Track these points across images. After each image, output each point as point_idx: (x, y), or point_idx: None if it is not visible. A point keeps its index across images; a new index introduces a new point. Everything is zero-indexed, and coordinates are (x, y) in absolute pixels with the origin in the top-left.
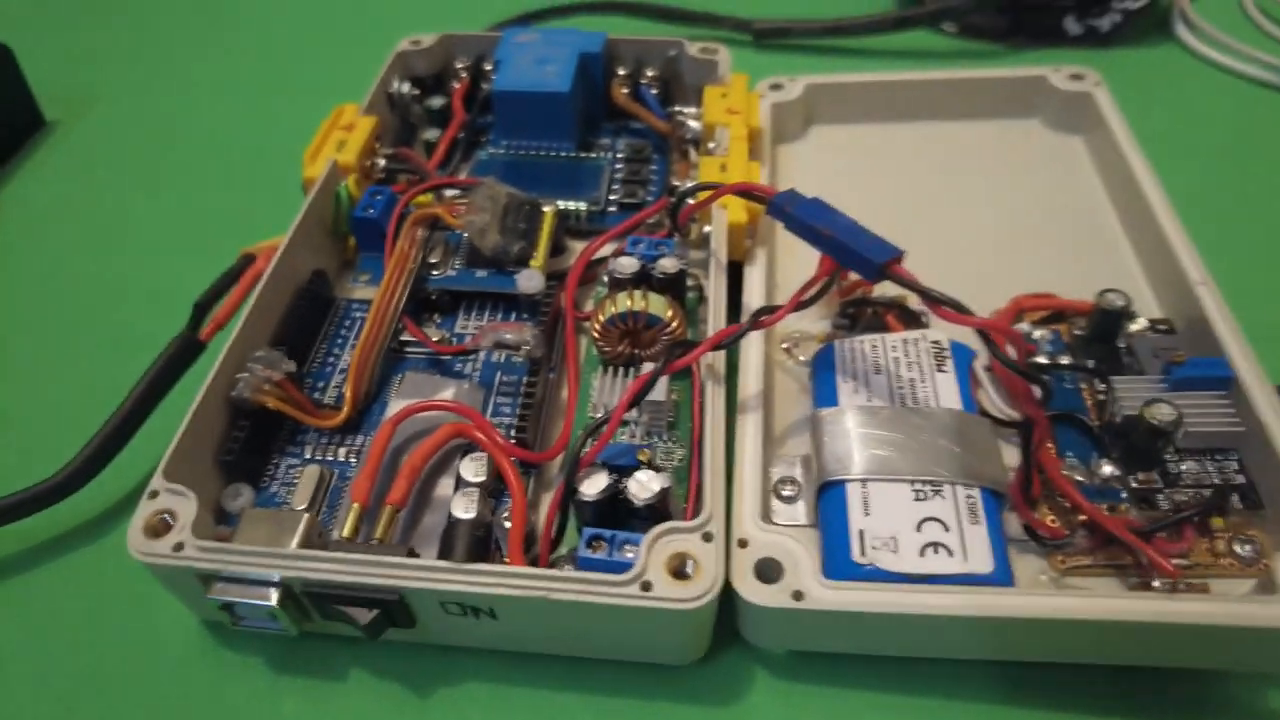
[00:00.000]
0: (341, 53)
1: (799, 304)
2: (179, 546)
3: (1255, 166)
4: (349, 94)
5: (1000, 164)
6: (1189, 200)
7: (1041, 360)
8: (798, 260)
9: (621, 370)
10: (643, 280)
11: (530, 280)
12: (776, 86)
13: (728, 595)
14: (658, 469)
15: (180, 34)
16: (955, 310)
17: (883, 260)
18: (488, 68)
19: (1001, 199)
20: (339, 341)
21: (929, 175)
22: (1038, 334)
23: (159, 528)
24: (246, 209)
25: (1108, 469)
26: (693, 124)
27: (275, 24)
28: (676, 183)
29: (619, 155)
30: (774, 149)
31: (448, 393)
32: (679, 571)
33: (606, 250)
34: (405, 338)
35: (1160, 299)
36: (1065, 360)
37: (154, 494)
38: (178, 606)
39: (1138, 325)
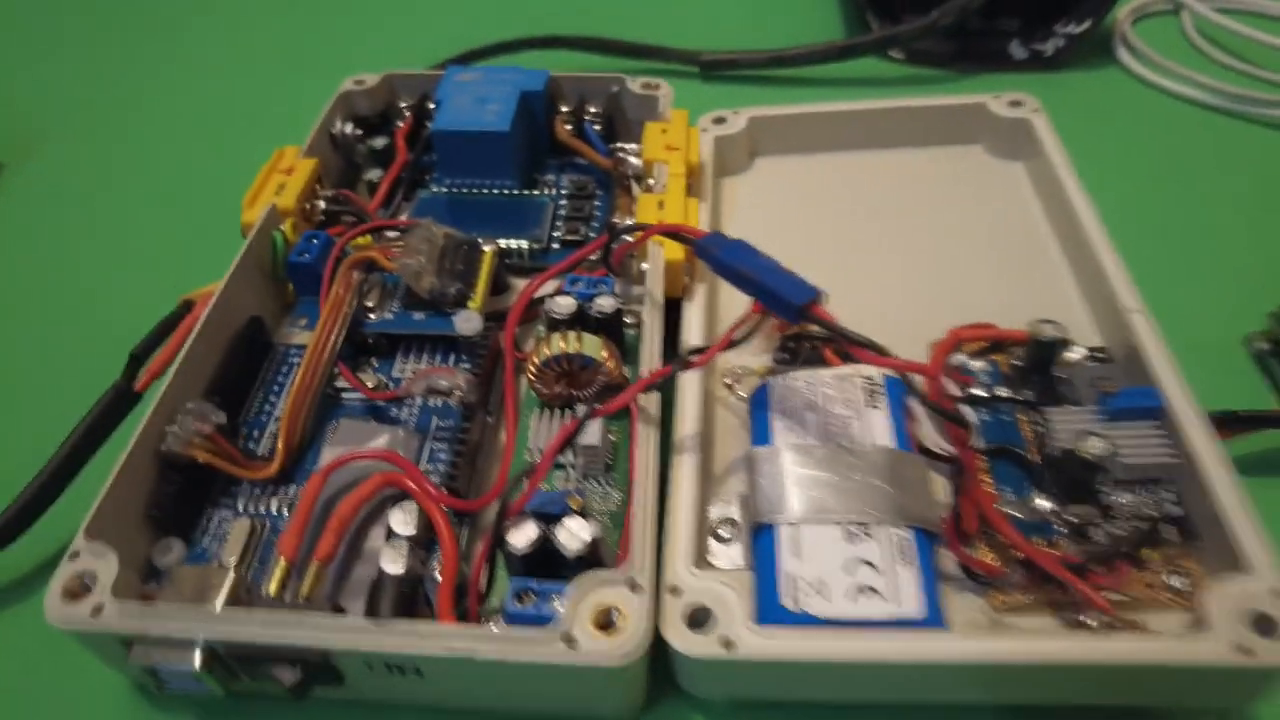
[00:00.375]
0: (289, 93)
1: (728, 344)
2: (98, 609)
3: (1193, 187)
4: (295, 134)
5: (944, 191)
6: (1129, 222)
7: (979, 393)
8: (739, 296)
9: (559, 412)
10: (580, 320)
11: (468, 322)
12: (720, 120)
13: (665, 643)
14: (587, 516)
15: (126, 74)
16: (873, 352)
17: (801, 302)
18: (431, 106)
19: (944, 227)
20: (275, 389)
21: (873, 204)
22: (975, 365)
23: (78, 590)
24: (190, 254)
25: (1042, 503)
26: (634, 160)
27: (223, 64)
28: (617, 220)
29: (563, 192)
30: (717, 183)
31: (382, 440)
32: (605, 623)
33: (549, 288)
34: (341, 383)
35: (1098, 326)
36: (1003, 392)
37: (75, 554)
38: (105, 671)
39: (1076, 354)
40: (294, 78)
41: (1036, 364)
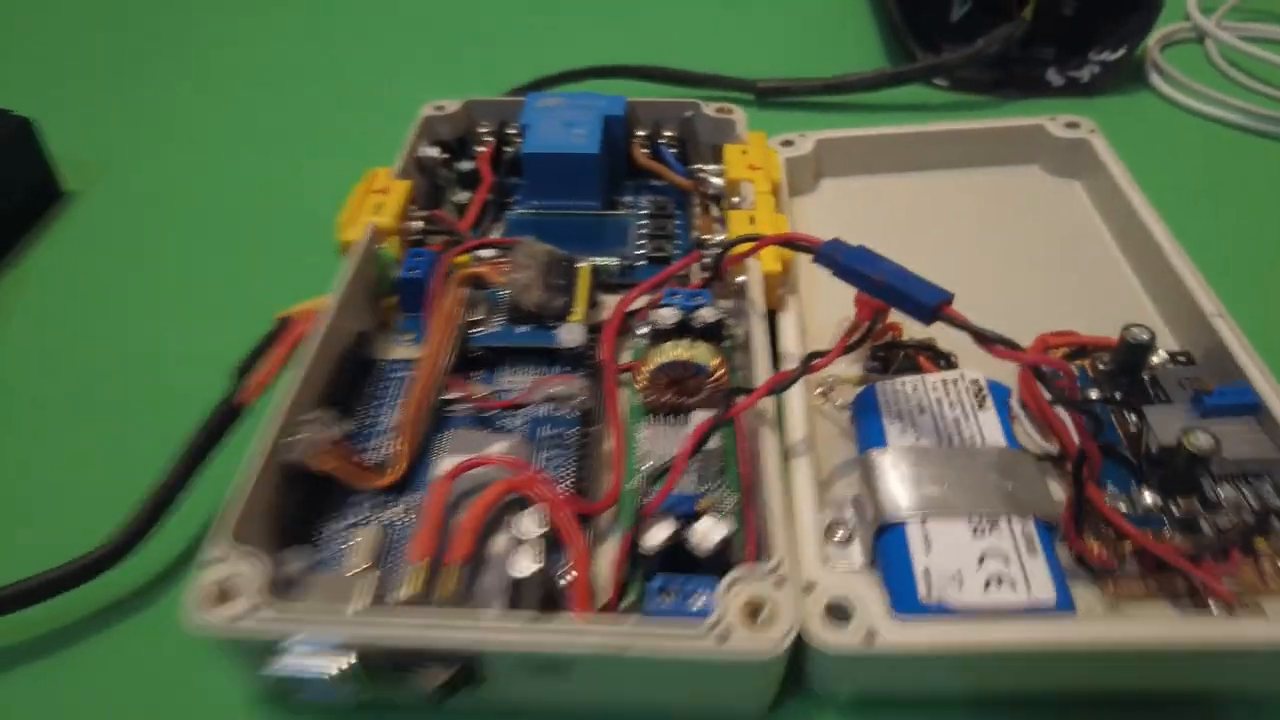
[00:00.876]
0: (356, 117)
1: (847, 347)
2: (243, 614)
3: (1229, 204)
4: (366, 157)
5: (1004, 210)
6: (1179, 238)
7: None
8: (823, 307)
9: (665, 418)
10: (683, 330)
11: (571, 334)
12: (788, 143)
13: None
14: (719, 515)
15: (199, 100)
16: (1008, 348)
17: (935, 303)
18: (511, 131)
19: (1009, 243)
20: (379, 403)
21: (937, 222)
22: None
23: (218, 595)
24: (273, 273)
25: (1149, 497)
26: (714, 180)
27: (290, 88)
28: (703, 236)
29: (643, 211)
30: (790, 202)
31: (497, 448)
32: (754, 617)
33: (640, 302)
34: (446, 395)
35: (1175, 332)
36: (1094, 394)
37: (211, 561)
38: (222, 684)
39: (1158, 357)
40: (363, 102)
41: (1126, 366)
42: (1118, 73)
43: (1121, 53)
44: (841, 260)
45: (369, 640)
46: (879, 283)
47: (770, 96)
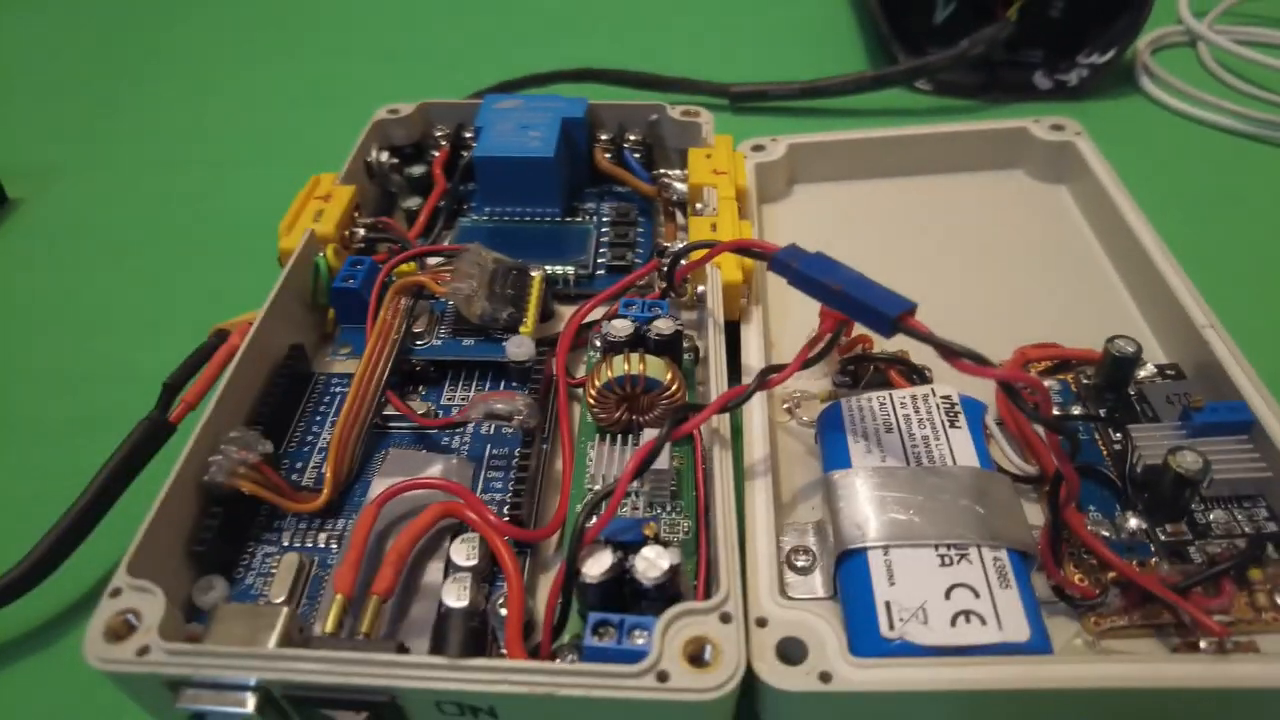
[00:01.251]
0: (315, 123)
1: (806, 361)
2: (144, 650)
3: (1223, 211)
4: (325, 164)
5: (987, 216)
6: (1170, 244)
7: (1054, 411)
8: (791, 318)
9: (619, 438)
10: (638, 343)
11: (520, 347)
12: (759, 148)
13: (749, 677)
14: (665, 544)
15: (147, 106)
16: (975, 362)
17: (896, 313)
18: (468, 135)
19: (991, 250)
20: (317, 419)
21: (917, 229)
22: (1045, 384)
23: (121, 630)
24: (219, 284)
25: (1134, 522)
26: (678, 186)
27: (247, 95)
28: (666, 244)
29: (604, 219)
30: (759, 209)
31: (435, 469)
32: (696, 658)
33: (597, 314)
34: (388, 412)
35: (1164, 344)
36: (1077, 410)
37: (116, 591)
38: (142, 718)
39: (1146, 371)
40: (322, 107)
41: (1111, 381)
42: (1107, 76)
43: (1110, 55)
44: (797, 267)
45: (279, 680)
46: (836, 291)
47: (745, 101)
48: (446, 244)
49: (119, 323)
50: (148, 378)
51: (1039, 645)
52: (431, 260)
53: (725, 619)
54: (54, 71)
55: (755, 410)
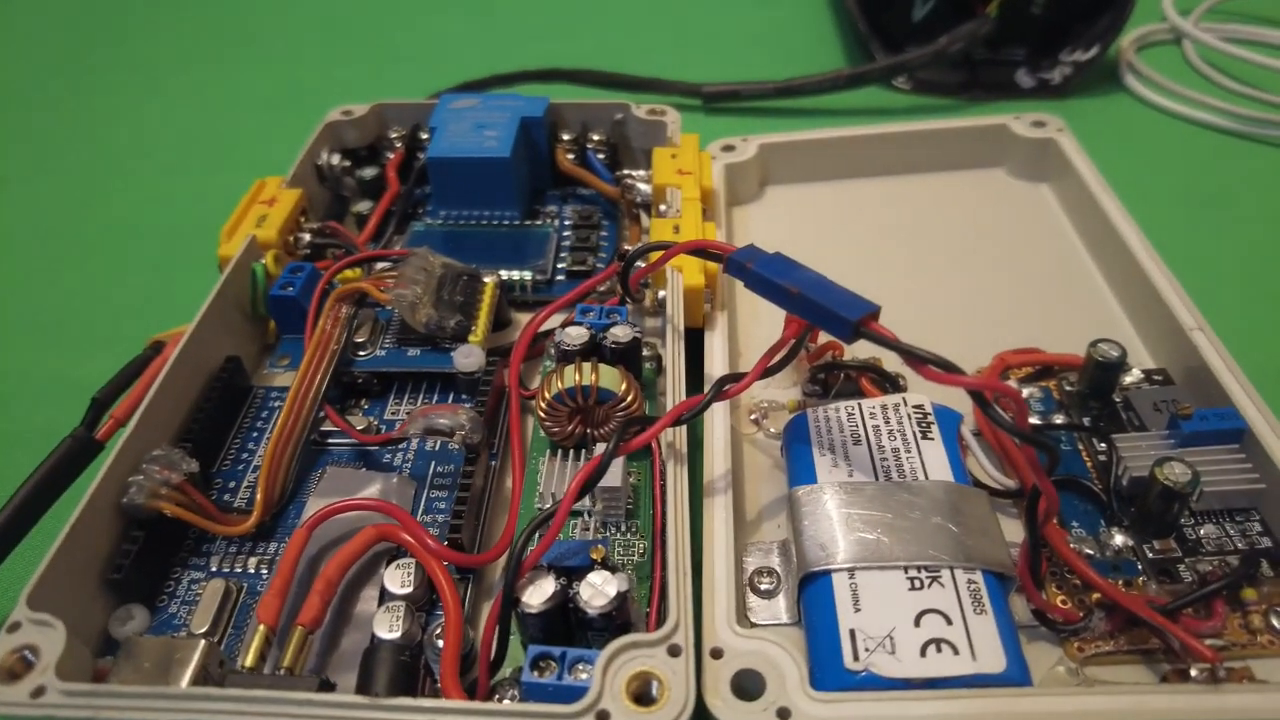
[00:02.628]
0: (269, 127)
1: (766, 370)
2: (38, 691)
3: (1210, 210)
4: (277, 169)
5: (967, 216)
6: (1156, 245)
7: (1034, 421)
8: (762, 324)
9: (572, 454)
10: (593, 352)
11: (468, 357)
12: (729, 148)
13: (702, 713)
14: (614, 569)
15: (92, 112)
16: (943, 369)
17: (857, 317)
18: (424, 136)
19: (971, 252)
20: (255, 435)
21: (894, 231)
22: (1026, 392)
23: (17, 668)
24: (161, 293)
25: (1120, 539)
26: (643, 187)
27: (196, 100)
28: (629, 247)
29: (566, 222)
30: (728, 211)
31: (374, 488)
32: (642, 695)
33: (555, 321)
34: (327, 427)
35: (1150, 348)
36: (1059, 419)
37: (14, 626)
38: None
39: (1132, 377)
40: (275, 115)
41: (1095, 388)
42: (1091, 74)
43: (1094, 52)
44: (752, 269)
45: None
46: (793, 294)
47: (718, 101)
48: (397, 249)
49: (53, 333)
50: (82, 392)
51: (1016, 676)
52: (378, 266)
53: (674, 652)
54: None
55: (716, 422)
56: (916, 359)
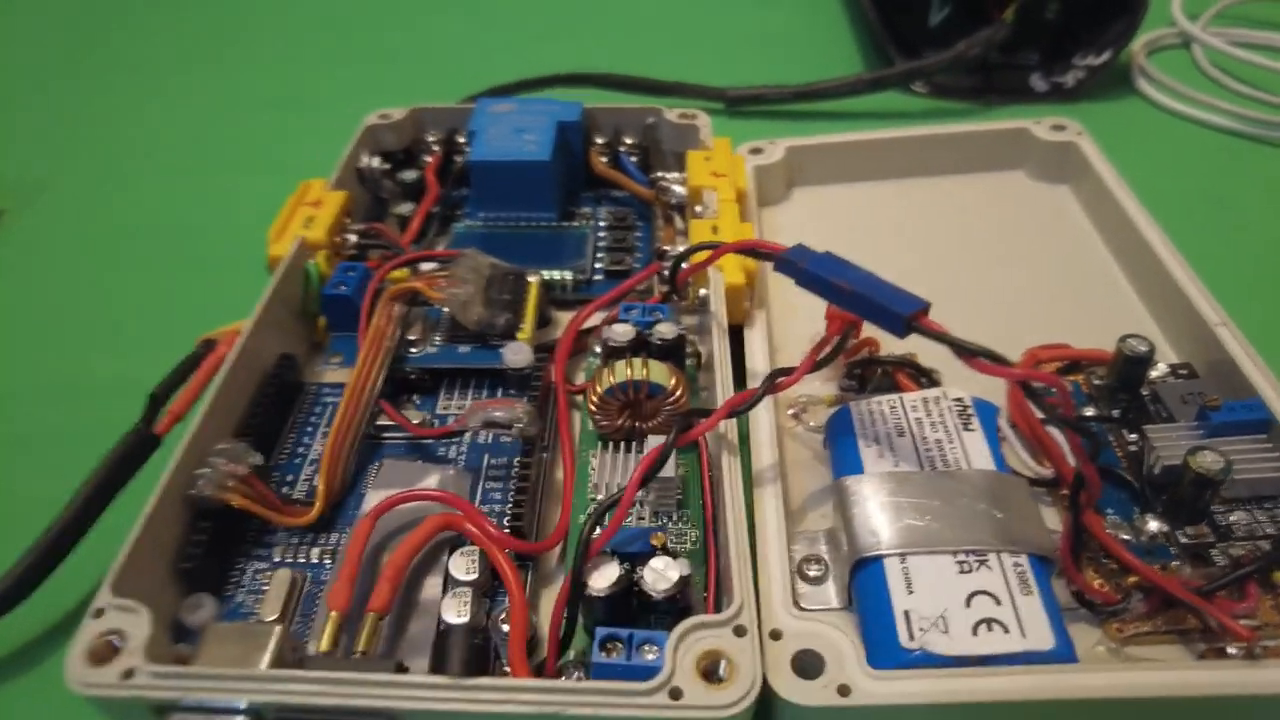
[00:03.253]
0: (306, 129)
1: (815, 363)
2: (129, 673)
3: (1225, 209)
4: (313, 171)
5: (989, 217)
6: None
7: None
8: (798, 321)
9: (621, 446)
10: (639, 348)
11: (518, 353)
12: (757, 150)
13: (764, 691)
14: (674, 555)
15: (133, 115)
16: (993, 361)
17: (909, 312)
18: (461, 140)
19: (995, 251)
20: (309, 430)
21: (919, 232)
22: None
23: (104, 652)
24: (208, 293)
25: (1154, 525)
26: (677, 189)
27: (235, 102)
28: (665, 248)
29: (601, 223)
30: (759, 213)
31: (432, 480)
32: (710, 673)
33: (596, 319)
34: (382, 422)
35: (1174, 343)
36: (1090, 411)
37: (99, 612)
38: None
39: (1158, 371)
40: (312, 114)
41: (1124, 381)
42: (1103, 78)
43: (1106, 57)
44: (805, 267)
45: (272, 702)
46: (846, 291)
47: (741, 105)
48: (441, 249)
49: (103, 334)
50: (136, 390)
51: (1063, 653)
52: (425, 266)
53: (739, 632)
54: (38, 81)
55: (762, 415)
56: (968, 352)
